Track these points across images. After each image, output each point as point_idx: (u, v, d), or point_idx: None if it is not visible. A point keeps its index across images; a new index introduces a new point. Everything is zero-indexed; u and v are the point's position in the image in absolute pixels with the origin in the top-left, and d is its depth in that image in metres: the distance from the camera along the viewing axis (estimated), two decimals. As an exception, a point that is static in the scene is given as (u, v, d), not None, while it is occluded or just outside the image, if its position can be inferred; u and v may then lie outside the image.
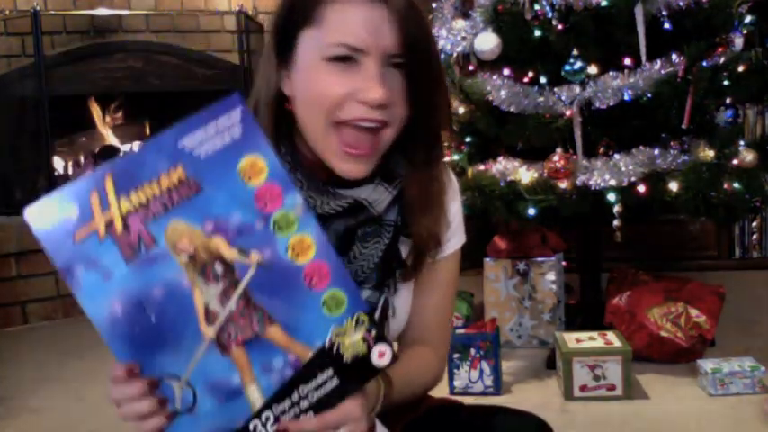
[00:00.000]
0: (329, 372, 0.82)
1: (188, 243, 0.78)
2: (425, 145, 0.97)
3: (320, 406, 0.82)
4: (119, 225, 0.77)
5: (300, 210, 0.80)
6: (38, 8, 3.26)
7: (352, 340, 0.81)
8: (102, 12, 3.50)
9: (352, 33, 0.86)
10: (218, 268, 0.79)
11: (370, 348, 0.82)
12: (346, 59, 0.88)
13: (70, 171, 3.61)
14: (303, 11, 0.89)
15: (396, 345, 1.10)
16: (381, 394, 0.92)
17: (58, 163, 3.53)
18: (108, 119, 3.74)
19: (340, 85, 0.88)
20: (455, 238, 1.07)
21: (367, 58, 0.87)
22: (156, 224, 0.78)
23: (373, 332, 0.82)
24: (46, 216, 0.77)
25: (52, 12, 3.43)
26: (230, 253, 0.79)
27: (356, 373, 0.82)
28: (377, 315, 0.96)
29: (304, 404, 0.82)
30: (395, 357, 0.83)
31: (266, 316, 0.80)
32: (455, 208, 1.07)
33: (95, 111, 3.69)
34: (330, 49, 0.87)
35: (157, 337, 0.79)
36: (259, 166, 0.79)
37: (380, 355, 0.83)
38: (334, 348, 0.81)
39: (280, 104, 0.94)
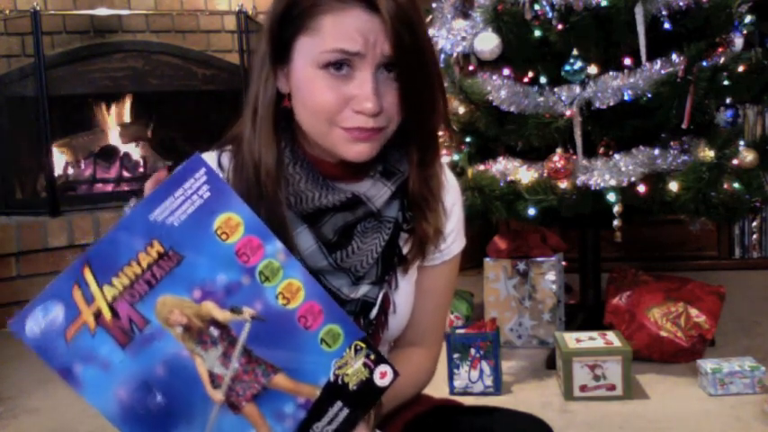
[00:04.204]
0: (339, 404, 0.83)
1: (179, 315, 0.78)
2: (421, 145, 0.98)
3: None
4: (107, 314, 0.77)
5: (283, 255, 0.80)
6: (38, 8, 3.25)
7: (354, 369, 0.83)
8: (102, 12, 3.49)
9: (348, 38, 0.87)
10: (214, 332, 0.79)
11: (371, 372, 0.83)
12: (341, 66, 0.88)
13: (70, 171, 3.61)
14: (298, 19, 0.89)
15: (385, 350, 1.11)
16: (372, 418, 0.93)
17: (59, 163, 3.52)
18: (108, 119, 3.73)
19: (335, 93, 0.89)
20: (456, 242, 1.08)
21: (362, 63, 0.88)
22: (143, 304, 0.77)
23: (372, 356, 0.84)
24: (33, 324, 0.76)
25: (52, 12, 3.43)
26: (223, 315, 0.79)
27: (363, 398, 0.84)
28: (374, 314, 0.96)
29: None
30: (396, 374, 0.85)
31: (269, 366, 0.80)
32: (457, 211, 1.07)
33: (95, 111, 3.69)
34: (325, 56, 0.88)
35: (169, 413, 0.79)
36: (234, 222, 0.79)
37: (382, 376, 0.84)
38: (339, 381, 0.82)
39: (278, 103, 0.95)
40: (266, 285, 0.79)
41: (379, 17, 0.87)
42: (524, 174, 2.25)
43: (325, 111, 0.89)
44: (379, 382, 0.84)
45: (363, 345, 0.83)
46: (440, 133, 1.05)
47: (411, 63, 0.89)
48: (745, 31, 2.36)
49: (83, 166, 3.64)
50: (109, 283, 0.77)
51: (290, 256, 0.81)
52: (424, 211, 1.00)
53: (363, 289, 0.96)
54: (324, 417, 0.82)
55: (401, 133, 0.96)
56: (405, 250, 1.01)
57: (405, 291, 1.03)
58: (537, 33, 2.24)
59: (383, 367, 0.84)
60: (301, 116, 0.93)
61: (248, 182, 0.93)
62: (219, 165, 0.98)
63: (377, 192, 0.95)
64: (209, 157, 1.00)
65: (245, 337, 0.79)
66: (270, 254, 0.80)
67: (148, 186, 0.82)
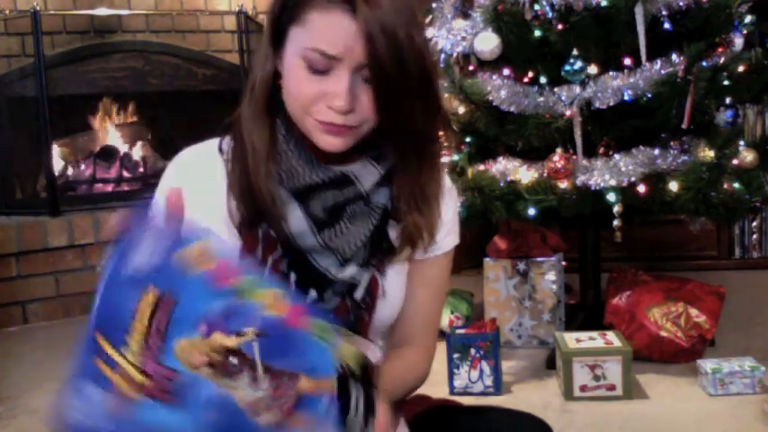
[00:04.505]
0: (354, 388, 0.84)
1: (198, 354, 0.77)
2: (402, 148, 0.98)
3: (367, 424, 0.84)
4: (141, 378, 0.76)
5: (255, 268, 0.81)
6: (38, 8, 3.25)
7: (349, 352, 0.84)
8: (102, 12, 3.49)
9: (328, 41, 0.89)
10: (234, 360, 0.78)
11: (359, 349, 0.84)
12: (321, 64, 0.90)
13: (70, 171, 3.61)
14: (293, 8, 0.92)
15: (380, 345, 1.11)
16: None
17: (58, 163, 3.52)
18: (108, 119, 3.73)
19: (312, 86, 0.92)
20: (448, 238, 1.08)
21: (340, 65, 0.90)
22: (165, 355, 0.77)
23: (353, 336, 0.85)
24: (75, 414, 0.76)
25: (52, 12, 3.43)
26: (232, 341, 0.78)
27: (368, 377, 0.85)
28: (359, 294, 0.97)
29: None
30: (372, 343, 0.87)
31: (290, 375, 0.80)
32: (451, 210, 1.07)
33: (95, 111, 3.69)
34: (307, 53, 0.91)
35: None
36: (203, 249, 0.79)
37: (370, 351, 0.87)
38: (345, 367, 0.83)
39: (274, 82, 0.98)
40: (254, 301, 0.80)
41: (362, 23, 0.88)
42: (524, 174, 2.25)
43: (301, 100, 0.93)
44: (372, 357, 0.86)
45: (343, 328, 0.85)
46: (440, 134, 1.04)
47: (386, 70, 0.89)
48: (745, 31, 2.36)
49: (83, 166, 3.64)
50: (124, 343, 0.76)
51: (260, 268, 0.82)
52: (406, 211, 1.01)
53: (351, 270, 0.97)
54: (350, 406, 0.83)
55: (387, 135, 0.97)
56: (395, 243, 1.02)
57: (394, 280, 1.03)
58: (537, 33, 2.24)
59: (365, 343, 0.86)
60: (286, 99, 0.96)
61: (244, 160, 0.96)
62: (220, 150, 1.01)
63: (366, 173, 0.98)
64: (211, 145, 1.02)
65: (260, 356, 0.79)
66: (244, 270, 0.80)
67: (113, 226, 0.82)
